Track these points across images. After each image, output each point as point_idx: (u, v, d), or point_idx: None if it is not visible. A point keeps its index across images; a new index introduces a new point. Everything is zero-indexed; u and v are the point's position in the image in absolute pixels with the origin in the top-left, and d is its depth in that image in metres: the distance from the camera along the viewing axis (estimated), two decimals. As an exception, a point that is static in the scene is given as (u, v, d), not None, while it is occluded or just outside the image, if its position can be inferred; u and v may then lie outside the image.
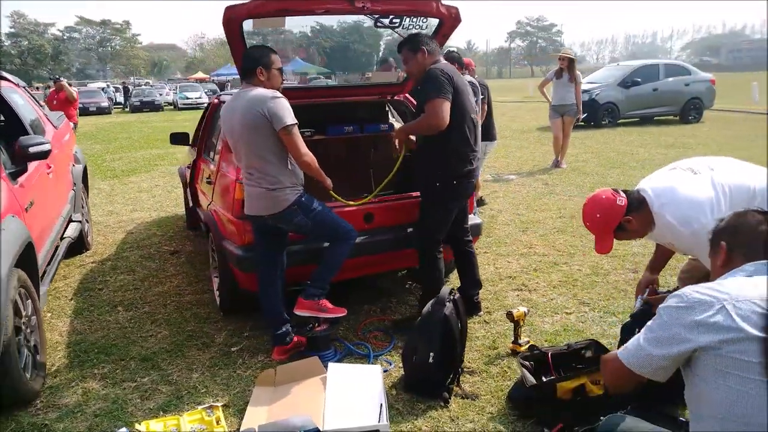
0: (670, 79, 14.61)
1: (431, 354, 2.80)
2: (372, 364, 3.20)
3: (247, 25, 3.35)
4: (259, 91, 3.08)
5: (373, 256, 3.59)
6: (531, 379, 2.66)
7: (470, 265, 3.76)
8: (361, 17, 3.82)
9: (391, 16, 3.68)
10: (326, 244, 3.39)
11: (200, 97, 31.99)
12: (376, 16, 3.63)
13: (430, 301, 2.94)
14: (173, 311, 4.06)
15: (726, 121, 15.08)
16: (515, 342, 3.27)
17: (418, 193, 3.63)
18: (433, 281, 3.55)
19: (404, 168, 3.77)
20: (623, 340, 2.82)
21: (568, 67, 8.85)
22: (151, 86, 39.66)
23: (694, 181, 2.51)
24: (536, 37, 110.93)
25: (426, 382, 2.85)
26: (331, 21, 4.58)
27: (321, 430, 2.48)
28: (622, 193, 2.57)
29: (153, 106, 30.77)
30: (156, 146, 13.81)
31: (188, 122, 21.98)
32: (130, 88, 36.15)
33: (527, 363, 2.78)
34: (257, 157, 3.08)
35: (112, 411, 2.85)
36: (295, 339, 3.36)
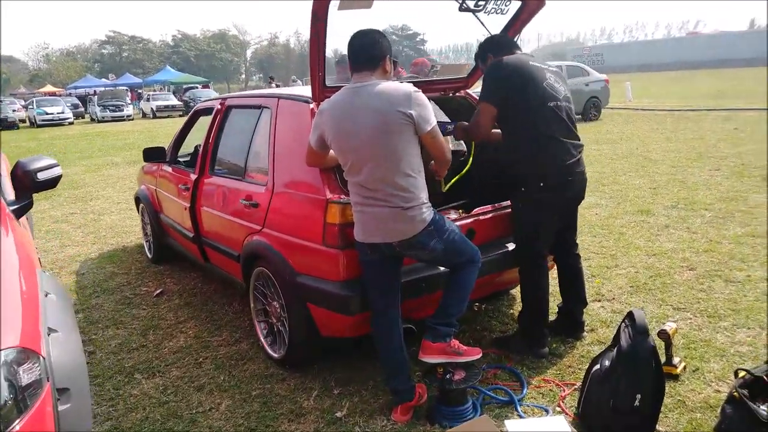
0: (573, 79, 15.23)
1: (638, 396, 2.31)
2: (522, 413, 2.64)
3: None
4: (394, 85, 2.41)
5: (484, 278, 3.01)
6: (763, 412, 2.26)
7: (577, 280, 3.32)
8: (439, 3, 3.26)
9: (477, -1, 3.16)
10: (440, 269, 2.80)
11: (63, 112, 28.75)
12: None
13: (626, 331, 2.43)
14: (215, 372, 3.19)
15: (622, 118, 16.08)
16: (669, 363, 2.85)
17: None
18: (534, 299, 3.10)
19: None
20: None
21: None
22: (1, 100, 34.96)
23: None
24: (401, 45, 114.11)
25: (630, 429, 2.35)
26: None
27: None
28: None
29: (6, 124, 26.96)
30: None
31: (58, 140, 19.54)
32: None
33: (745, 392, 2.37)
34: (392, 168, 2.39)
35: None
36: (417, 391, 2.71)
